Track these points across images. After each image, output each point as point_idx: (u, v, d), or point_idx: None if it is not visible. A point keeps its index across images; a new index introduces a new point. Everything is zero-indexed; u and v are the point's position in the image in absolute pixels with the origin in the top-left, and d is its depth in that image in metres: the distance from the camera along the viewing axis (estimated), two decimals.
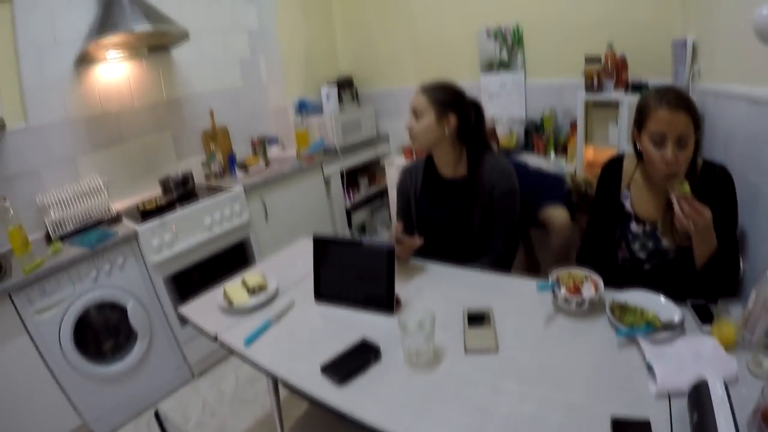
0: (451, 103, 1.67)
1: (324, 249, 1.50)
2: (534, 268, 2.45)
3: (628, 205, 1.50)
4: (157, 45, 2.81)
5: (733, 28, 1.61)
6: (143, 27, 2.32)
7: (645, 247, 1.48)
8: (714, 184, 1.32)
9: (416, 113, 1.67)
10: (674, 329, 1.10)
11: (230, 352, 1.37)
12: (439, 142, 1.70)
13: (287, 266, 1.78)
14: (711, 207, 1.21)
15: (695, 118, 1.27)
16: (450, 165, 1.76)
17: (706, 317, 1.15)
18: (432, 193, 1.81)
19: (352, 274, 1.44)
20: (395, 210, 1.97)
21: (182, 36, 2.70)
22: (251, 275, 1.61)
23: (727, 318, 1.07)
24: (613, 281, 1.33)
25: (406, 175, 1.89)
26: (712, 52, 1.93)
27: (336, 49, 4.11)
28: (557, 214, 2.18)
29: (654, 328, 1.11)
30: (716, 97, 1.74)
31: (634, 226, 1.49)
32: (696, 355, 1.00)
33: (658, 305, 1.21)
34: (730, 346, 1.02)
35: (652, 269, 1.49)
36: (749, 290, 1.06)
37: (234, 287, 1.58)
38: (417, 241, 1.60)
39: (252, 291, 1.55)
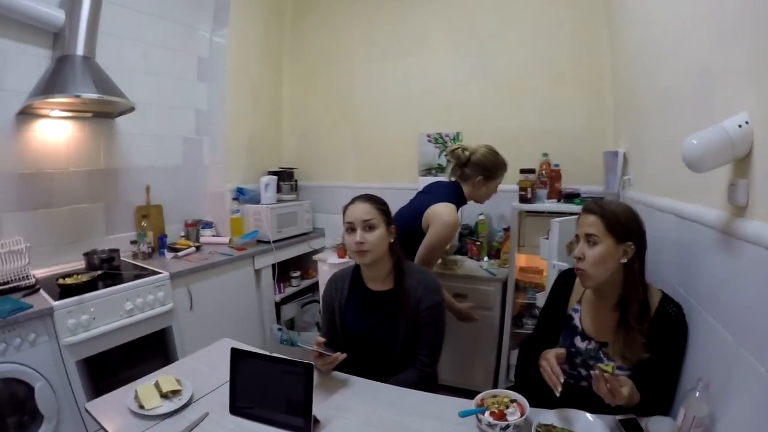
0: (388, 212, 1.77)
1: (242, 361, 1.46)
2: None
3: (576, 319, 1.55)
4: (102, 111, 2.79)
5: (661, 145, 1.81)
6: (90, 94, 2.35)
7: (586, 364, 1.49)
8: (665, 321, 1.37)
9: (369, 225, 1.67)
10: None
11: None
12: (384, 254, 1.73)
13: (206, 369, 1.70)
14: (658, 342, 1.33)
15: (609, 223, 1.37)
16: (380, 278, 1.77)
17: None
18: (357, 305, 1.80)
19: (269, 390, 1.40)
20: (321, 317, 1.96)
21: (127, 108, 2.72)
22: (165, 378, 1.53)
23: None
24: (549, 391, 1.34)
25: (332, 285, 1.88)
26: (641, 164, 2.16)
27: (281, 139, 4.26)
28: (440, 209, 2.21)
29: None
30: (645, 207, 1.86)
31: (578, 341, 1.52)
32: None
33: (587, 423, 1.24)
34: None
35: (590, 387, 1.44)
36: (680, 404, 1.14)
37: (146, 389, 1.48)
38: (339, 356, 1.57)
39: (165, 395, 1.46)
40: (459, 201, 2.33)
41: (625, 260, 1.38)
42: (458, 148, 2.37)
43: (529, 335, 1.74)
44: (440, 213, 2.18)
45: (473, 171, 2.34)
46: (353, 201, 1.74)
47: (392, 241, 1.74)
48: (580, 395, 1.42)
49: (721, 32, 1.23)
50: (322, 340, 1.61)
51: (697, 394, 1.09)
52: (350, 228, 1.69)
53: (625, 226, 1.38)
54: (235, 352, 1.46)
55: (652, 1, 1.89)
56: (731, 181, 1.13)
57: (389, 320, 1.72)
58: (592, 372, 1.25)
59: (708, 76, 1.31)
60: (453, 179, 2.43)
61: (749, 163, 1.06)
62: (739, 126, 1.04)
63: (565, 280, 1.65)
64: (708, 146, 1.07)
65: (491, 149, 2.36)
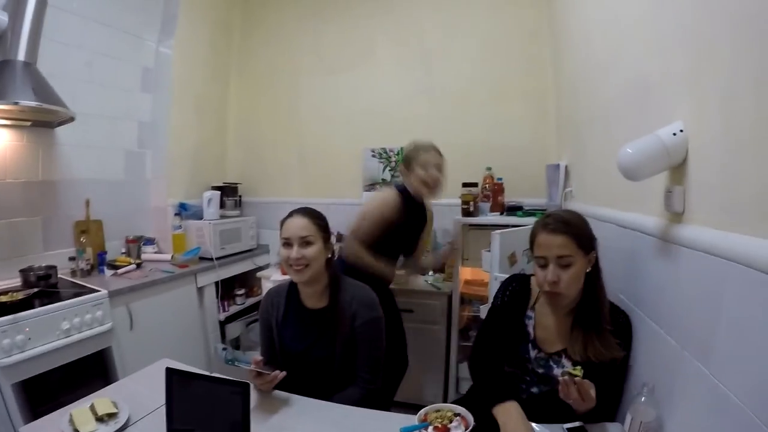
0: (326, 227, 1.75)
1: (178, 382, 1.40)
2: None
3: (530, 326, 1.56)
4: (42, 120, 2.68)
5: (600, 156, 1.89)
6: (29, 102, 2.26)
7: (534, 372, 1.52)
8: (615, 329, 1.41)
9: (306, 241, 1.65)
10: None
11: None
12: (322, 270, 1.72)
13: (144, 390, 1.65)
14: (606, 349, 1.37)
15: (579, 239, 1.37)
16: (316, 295, 1.76)
17: None
18: (294, 323, 1.78)
19: (206, 411, 1.36)
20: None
21: (68, 118, 2.63)
22: (101, 401, 1.49)
23: None
24: (497, 394, 1.38)
25: (268, 301, 1.85)
26: (582, 176, 2.29)
27: (226, 153, 4.23)
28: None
29: None
30: (587, 217, 1.92)
31: (530, 348, 1.53)
32: None
33: None
34: None
35: (540, 393, 1.52)
36: (626, 409, 1.20)
37: (81, 412, 1.44)
38: (279, 374, 1.55)
39: (101, 419, 1.43)
40: (404, 192, 2.40)
41: (589, 269, 1.41)
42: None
43: (477, 346, 1.71)
44: (383, 192, 2.45)
45: (401, 168, 2.46)
46: (290, 215, 1.71)
47: (330, 256, 1.74)
48: (529, 402, 1.45)
49: (657, 43, 1.29)
50: (260, 358, 1.58)
51: (643, 399, 1.14)
52: (287, 243, 1.67)
53: (588, 236, 1.41)
54: (170, 372, 1.40)
55: (592, 17, 2.00)
56: (668, 188, 1.18)
57: (326, 338, 1.72)
58: (560, 378, 1.25)
59: (644, 86, 1.39)
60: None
61: (684, 170, 1.11)
62: (674, 134, 1.09)
63: (520, 286, 1.63)
64: (643, 155, 1.11)
65: (411, 142, 2.48)
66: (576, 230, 1.39)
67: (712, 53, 1.01)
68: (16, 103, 2.23)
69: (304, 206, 1.75)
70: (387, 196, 2.36)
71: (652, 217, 1.32)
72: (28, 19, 2.38)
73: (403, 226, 2.36)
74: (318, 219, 1.72)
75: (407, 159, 2.40)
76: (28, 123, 2.64)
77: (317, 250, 1.66)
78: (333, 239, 1.99)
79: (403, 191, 2.39)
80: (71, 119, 2.65)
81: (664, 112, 1.23)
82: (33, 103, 2.27)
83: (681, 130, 1.10)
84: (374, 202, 2.37)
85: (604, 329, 1.40)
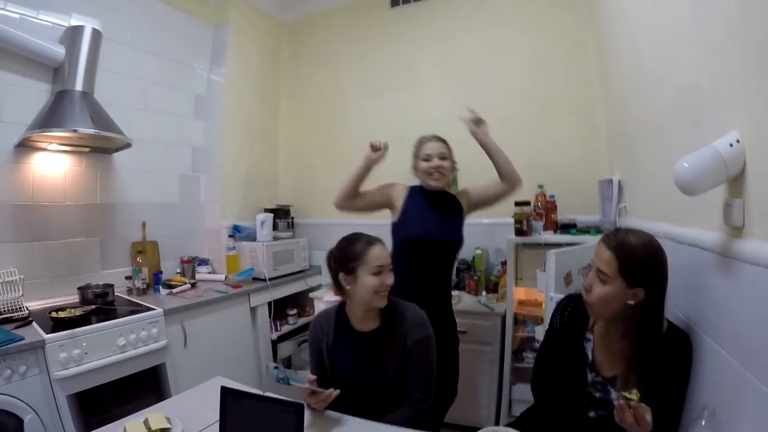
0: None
1: (232, 400, 1.42)
2: None
3: (588, 349, 1.51)
4: (99, 147, 2.84)
5: (654, 170, 1.82)
6: (87, 129, 2.41)
7: (591, 396, 1.48)
8: (673, 351, 1.33)
9: (390, 267, 1.73)
10: None
11: None
12: None
13: (197, 406, 1.67)
14: (665, 371, 1.29)
15: (624, 265, 1.31)
16: (370, 318, 1.76)
17: None
18: (345, 347, 1.77)
19: (260, 430, 1.36)
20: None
21: (125, 144, 2.77)
22: (155, 416, 1.51)
23: None
24: (558, 418, 1.37)
25: (317, 326, 1.85)
26: (636, 190, 2.18)
27: (277, 176, 4.32)
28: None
29: None
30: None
31: (587, 372, 1.49)
32: None
33: None
34: None
35: (597, 418, 1.47)
36: None
37: (135, 426, 1.46)
38: (332, 392, 1.54)
39: None
40: (415, 186, 2.43)
41: (632, 302, 1.33)
42: None
43: (537, 370, 1.68)
44: None
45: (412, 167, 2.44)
46: (373, 243, 1.73)
47: None
48: (585, 427, 1.41)
49: (707, 52, 1.23)
50: (313, 377, 1.58)
51: (703, 423, 1.07)
52: (379, 271, 1.69)
53: (640, 269, 1.31)
54: (224, 390, 1.42)
55: (638, 27, 1.92)
56: (726, 201, 1.11)
57: (378, 360, 1.70)
58: (615, 402, 1.20)
59: (696, 97, 1.31)
60: None
61: (743, 182, 1.05)
62: (731, 145, 1.03)
63: (579, 307, 1.55)
64: (700, 168, 1.05)
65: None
66: (627, 256, 1.31)
67: (762, 58, 0.94)
68: (75, 131, 2.39)
69: (371, 235, 1.78)
70: (393, 183, 2.45)
71: (711, 232, 1.23)
72: (84, 51, 2.57)
73: (410, 212, 2.34)
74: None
75: (414, 152, 2.41)
76: (87, 149, 2.80)
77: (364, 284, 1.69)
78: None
79: (415, 185, 2.39)
80: (128, 145, 2.80)
81: (717, 121, 1.16)
82: (91, 131, 2.42)
83: (738, 140, 1.04)
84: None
85: (642, 358, 1.33)
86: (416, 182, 2.42)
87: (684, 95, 1.42)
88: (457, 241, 2.31)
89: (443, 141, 2.38)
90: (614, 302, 1.34)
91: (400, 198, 2.35)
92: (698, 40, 1.28)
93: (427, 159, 2.31)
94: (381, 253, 1.71)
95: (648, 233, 1.36)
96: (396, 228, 2.34)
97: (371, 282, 1.67)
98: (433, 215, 2.31)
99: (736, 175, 1.06)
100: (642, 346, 1.33)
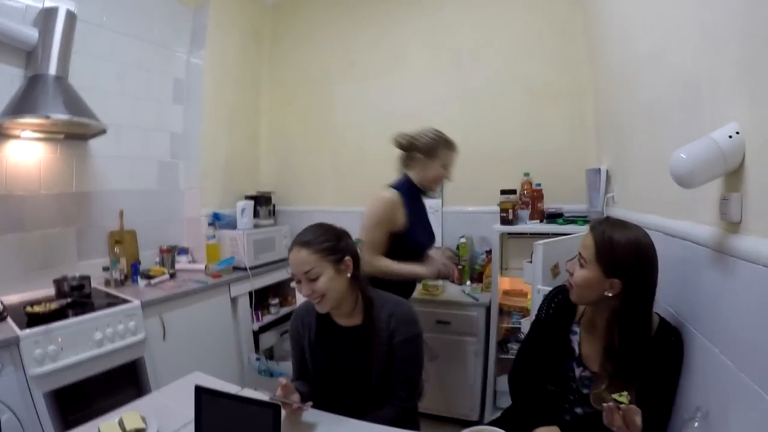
0: (335, 246, 1.57)
1: (207, 400, 1.38)
2: None
3: (575, 342, 1.49)
4: (74, 133, 2.77)
5: (645, 161, 1.79)
6: (61, 115, 2.34)
7: (579, 392, 1.46)
8: (665, 349, 1.32)
9: (309, 277, 1.52)
10: None
11: None
12: (345, 292, 1.61)
13: (174, 405, 1.64)
14: (655, 368, 1.29)
15: (602, 252, 1.31)
16: (347, 313, 1.67)
17: None
18: (327, 343, 1.71)
19: (235, 430, 1.34)
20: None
21: (100, 130, 2.71)
22: (130, 415, 1.49)
23: None
24: (539, 416, 1.36)
25: (298, 320, 1.76)
26: (625, 181, 2.18)
27: (258, 162, 4.27)
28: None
29: None
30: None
31: (574, 366, 1.47)
32: None
33: None
34: None
35: (584, 415, 1.46)
36: None
37: (109, 426, 1.45)
38: (304, 407, 1.46)
39: None
40: (403, 187, 2.27)
41: (610, 294, 1.32)
42: (398, 135, 2.33)
43: (518, 361, 1.66)
44: (375, 195, 2.24)
45: (414, 154, 2.28)
46: (291, 248, 1.58)
47: (350, 275, 1.61)
48: (572, 423, 1.41)
49: (706, 40, 1.20)
50: (284, 381, 1.48)
51: (696, 425, 1.06)
52: (296, 280, 1.57)
53: (616, 261, 1.29)
54: (199, 390, 1.39)
55: (631, 12, 1.89)
56: (723, 195, 1.09)
57: (361, 356, 1.65)
58: (604, 405, 1.17)
59: (692, 85, 1.28)
60: (403, 172, 2.38)
61: (741, 175, 1.03)
62: (730, 136, 1.01)
63: (566, 299, 1.52)
64: (698, 160, 1.03)
65: (433, 129, 2.29)
66: (605, 243, 1.31)
67: (766, 46, 0.92)
68: (47, 117, 2.31)
69: (307, 227, 1.63)
70: (384, 195, 2.20)
71: (705, 226, 1.22)
72: (58, 33, 2.48)
73: (414, 218, 2.24)
74: (320, 242, 1.55)
75: (432, 147, 2.24)
76: (62, 136, 2.73)
77: (327, 279, 1.53)
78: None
79: (403, 185, 2.29)
80: (103, 131, 2.73)
81: (715, 112, 1.14)
82: (64, 116, 2.35)
83: (737, 132, 1.02)
84: (373, 206, 2.22)
85: (621, 355, 1.33)
86: (392, 179, 2.37)
87: (680, 83, 1.39)
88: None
89: None
90: (592, 288, 1.34)
91: (401, 215, 2.20)
92: (697, 26, 1.25)
93: (445, 167, 2.28)
94: (291, 262, 1.57)
95: (642, 230, 1.35)
96: (402, 238, 2.21)
97: (297, 288, 1.61)
98: (427, 216, 2.42)
99: (734, 169, 1.04)
100: (615, 344, 1.35)
